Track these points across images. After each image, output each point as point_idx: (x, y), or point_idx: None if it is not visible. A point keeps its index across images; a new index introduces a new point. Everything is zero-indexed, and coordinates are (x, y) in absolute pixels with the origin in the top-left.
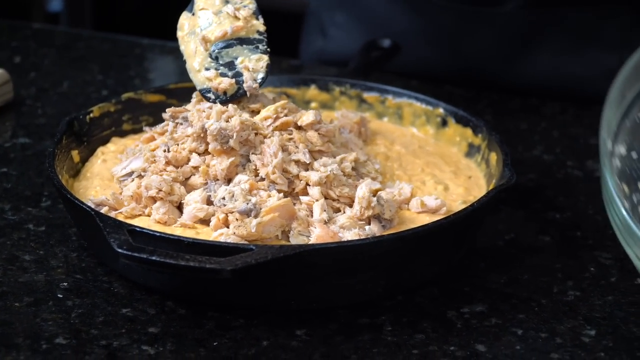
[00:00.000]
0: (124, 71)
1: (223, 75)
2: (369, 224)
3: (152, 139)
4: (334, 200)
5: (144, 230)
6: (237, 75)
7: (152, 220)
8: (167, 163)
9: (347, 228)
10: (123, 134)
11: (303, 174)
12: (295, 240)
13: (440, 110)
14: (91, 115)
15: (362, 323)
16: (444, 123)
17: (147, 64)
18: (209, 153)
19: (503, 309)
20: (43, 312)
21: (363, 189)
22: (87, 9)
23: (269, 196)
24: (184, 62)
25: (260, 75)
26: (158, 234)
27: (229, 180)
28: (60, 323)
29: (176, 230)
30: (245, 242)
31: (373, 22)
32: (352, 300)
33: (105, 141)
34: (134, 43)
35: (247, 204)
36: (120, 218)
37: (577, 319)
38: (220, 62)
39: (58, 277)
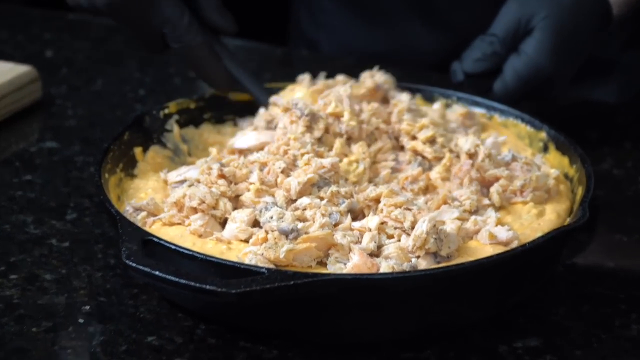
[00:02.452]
0: (163, 68)
1: None
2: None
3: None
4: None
5: (160, 242)
6: None
7: (187, 231)
8: (220, 176)
9: (393, 259)
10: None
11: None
12: (332, 266)
13: (544, 134)
14: (166, 111)
15: (405, 358)
16: (546, 148)
17: None
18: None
19: (559, 344)
20: (62, 338)
21: (424, 225)
22: None
23: (313, 220)
24: None
25: None
26: (173, 247)
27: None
28: (79, 352)
29: (207, 244)
30: (269, 266)
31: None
32: (383, 337)
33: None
34: None
35: (291, 225)
36: (158, 225)
37: None
38: None
39: (80, 299)
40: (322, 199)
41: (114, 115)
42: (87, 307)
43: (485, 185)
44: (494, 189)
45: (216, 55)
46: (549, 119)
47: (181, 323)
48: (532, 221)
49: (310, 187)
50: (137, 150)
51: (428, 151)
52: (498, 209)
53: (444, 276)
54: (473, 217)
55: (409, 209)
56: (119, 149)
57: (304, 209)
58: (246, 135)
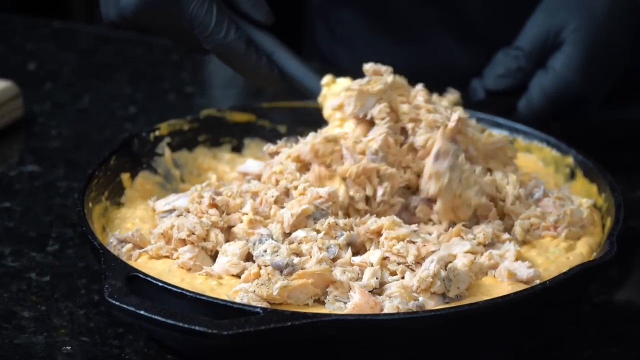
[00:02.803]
0: (156, 83)
1: None
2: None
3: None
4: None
5: (146, 278)
6: None
7: (175, 265)
8: (212, 205)
9: (396, 298)
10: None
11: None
12: (331, 306)
13: (570, 160)
14: (157, 133)
15: None
16: (572, 175)
17: (186, 75)
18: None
19: None
20: None
21: (431, 266)
22: None
23: (309, 254)
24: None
25: None
26: (160, 284)
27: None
28: None
29: (196, 279)
30: (262, 304)
31: (390, 19)
32: None
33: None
34: (170, 47)
35: (286, 260)
36: (144, 258)
37: None
38: None
39: (61, 339)
40: (318, 231)
41: (101, 135)
42: (68, 348)
43: (512, 225)
44: (519, 223)
45: (255, 49)
46: (579, 141)
47: None
48: (560, 255)
49: (306, 219)
50: (125, 177)
51: None
52: (521, 244)
53: (456, 317)
54: (488, 251)
55: (413, 242)
56: (104, 175)
57: (300, 243)
58: (247, 161)
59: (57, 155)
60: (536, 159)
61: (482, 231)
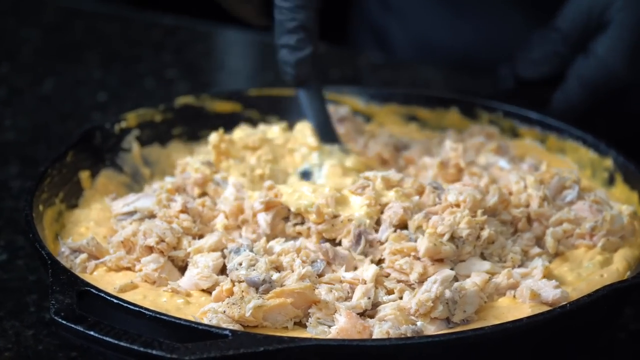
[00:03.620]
0: (132, 65)
1: None
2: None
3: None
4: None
5: (100, 294)
6: None
7: (138, 278)
8: (183, 210)
9: (390, 322)
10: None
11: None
12: (313, 330)
13: (610, 162)
14: (123, 124)
15: None
16: (611, 180)
17: (167, 56)
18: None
19: None
20: None
21: (434, 288)
22: None
23: (291, 268)
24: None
25: None
26: (115, 301)
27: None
28: None
29: (161, 296)
30: (234, 327)
31: None
32: None
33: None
34: (151, 23)
35: (263, 275)
36: (102, 270)
37: None
38: None
39: None
40: (299, 234)
41: (64, 127)
42: None
43: (543, 232)
44: (551, 232)
45: None
46: (623, 142)
47: None
48: (594, 271)
49: (284, 222)
50: (84, 175)
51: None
52: (553, 257)
53: (456, 344)
54: (507, 269)
55: (419, 258)
56: (59, 174)
57: (280, 255)
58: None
59: (11, 150)
60: (570, 161)
61: (510, 252)
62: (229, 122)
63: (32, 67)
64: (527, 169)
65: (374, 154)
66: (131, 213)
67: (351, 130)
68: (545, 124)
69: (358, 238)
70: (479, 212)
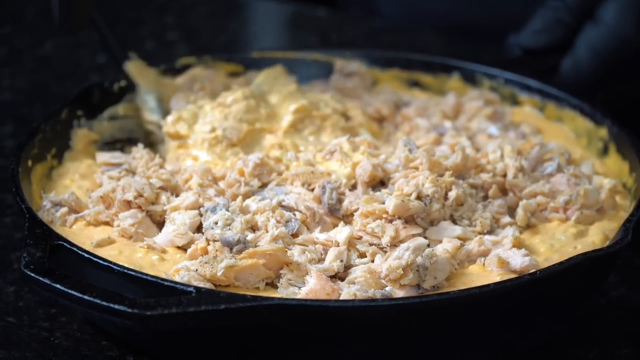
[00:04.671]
0: (134, 28)
1: None
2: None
3: None
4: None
5: (72, 248)
6: None
7: (116, 233)
8: (162, 165)
9: (360, 284)
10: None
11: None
12: (284, 291)
13: (604, 132)
14: (122, 83)
15: None
16: (606, 150)
17: (170, 19)
18: None
19: None
20: None
21: (405, 255)
22: None
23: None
24: None
25: None
26: (86, 255)
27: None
28: None
29: (136, 252)
30: (205, 285)
31: None
32: None
33: None
34: None
35: (237, 235)
36: (81, 224)
37: None
38: None
39: None
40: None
41: (61, 88)
42: None
43: (517, 202)
44: (522, 205)
45: None
46: (625, 112)
47: (105, 353)
48: (567, 244)
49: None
50: (80, 133)
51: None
52: (523, 228)
53: (421, 308)
54: (478, 236)
55: (391, 221)
56: (52, 130)
57: (255, 213)
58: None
59: (6, 110)
60: (568, 130)
61: (479, 217)
62: (228, 84)
63: (33, 28)
64: (514, 136)
65: (373, 110)
66: (118, 165)
67: (358, 86)
68: (545, 92)
69: (329, 192)
70: (447, 173)
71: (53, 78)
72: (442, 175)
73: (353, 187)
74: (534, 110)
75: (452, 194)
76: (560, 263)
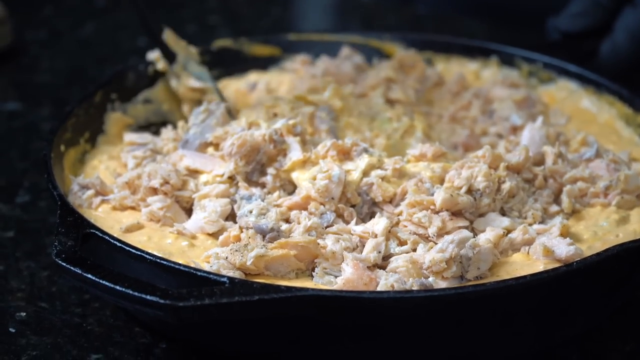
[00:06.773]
0: (175, 12)
1: None
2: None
3: None
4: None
5: (104, 237)
6: None
7: (144, 216)
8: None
9: (401, 274)
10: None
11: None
12: (320, 279)
13: None
14: (158, 66)
15: None
16: None
17: (212, 2)
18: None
19: None
20: None
21: (450, 248)
22: None
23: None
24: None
25: None
26: (118, 244)
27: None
28: None
29: (166, 238)
30: (235, 274)
31: None
32: None
33: None
34: None
35: (271, 223)
36: (107, 207)
37: None
38: None
39: (15, 303)
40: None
41: (100, 70)
42: (23, 314)
43: (559, 189)
44: (566, 191)
45: None
46: None
47: (137, 340)
48: (610, 231)
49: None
50: (114, 117)
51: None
52: (569, 215)
53: (458, 300)
54: (522, 225)
55: (438, 213)
56: (85, 114)
57: (290, 208)
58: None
59: (44, 92)
60: (609, 116)
61: (531, 209)
62: (266, 66)
63: (74, 10)
64: (540, 124)
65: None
66: (144, 144)
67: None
68: (584, 77)
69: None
70: (502, 165)
71: (92, 61)
72: (496, 169)
73: None
74: (571, 95)
75: (505, 187)
76: (598, 254)
